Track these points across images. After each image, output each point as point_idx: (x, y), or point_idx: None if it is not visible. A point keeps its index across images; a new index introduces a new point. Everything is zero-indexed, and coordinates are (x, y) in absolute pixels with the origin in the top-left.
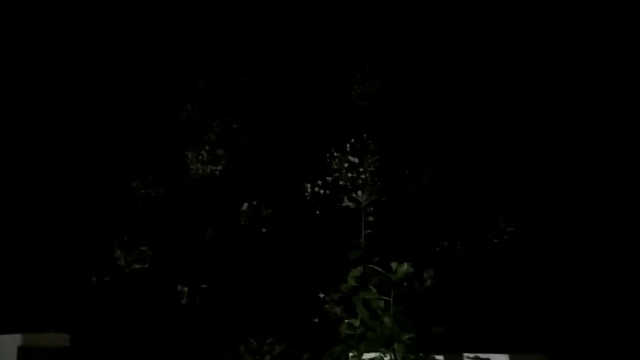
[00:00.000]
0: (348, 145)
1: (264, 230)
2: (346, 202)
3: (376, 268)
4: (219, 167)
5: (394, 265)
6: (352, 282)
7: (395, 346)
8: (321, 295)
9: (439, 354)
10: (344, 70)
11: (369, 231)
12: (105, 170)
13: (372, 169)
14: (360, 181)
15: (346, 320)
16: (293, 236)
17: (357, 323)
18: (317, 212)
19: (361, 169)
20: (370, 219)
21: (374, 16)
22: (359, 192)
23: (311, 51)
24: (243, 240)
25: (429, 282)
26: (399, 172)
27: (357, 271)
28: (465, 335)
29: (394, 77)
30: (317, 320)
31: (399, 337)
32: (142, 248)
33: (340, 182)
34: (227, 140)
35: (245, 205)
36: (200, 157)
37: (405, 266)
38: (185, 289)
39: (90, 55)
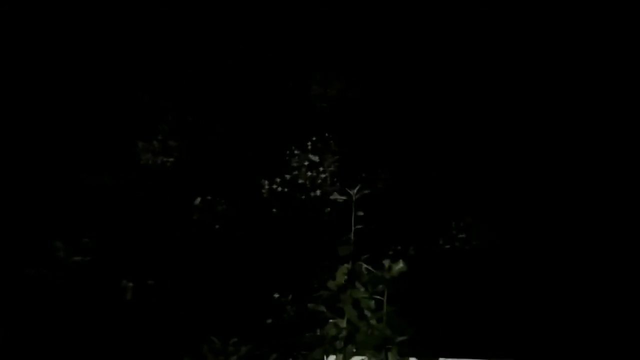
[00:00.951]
0: (309, 143)
1: (217, 226)
2: (335, 196)
3: (366, 266)
4: (171, 159)
5: (386, 263)
6: (341, 279)
7: (391, 349)
8: (276, 296)
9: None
10: (304, 70)
11: (359, 226)
12: (47, 157)
13: (332, 169)
14: (319, 180)
15: (331, 320)
16: (248, 233)
17: (343, 323)
18: (274, 210)
19: (321, 168)
20: (360, 213)
21: (336, 17)
22: (317, 191)
23: (271, 48)
24: (195, 236)
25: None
26: (357, 174)
27: (345, 268)
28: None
29: (355, 79)
30: (270, 321)
31: (392, 339)
32: (84, 240)
33: (300, 181)
34: (181, 132)
35: (199, 199)
36: (152, 148)
37: (400, 264)
38: (130, 284)
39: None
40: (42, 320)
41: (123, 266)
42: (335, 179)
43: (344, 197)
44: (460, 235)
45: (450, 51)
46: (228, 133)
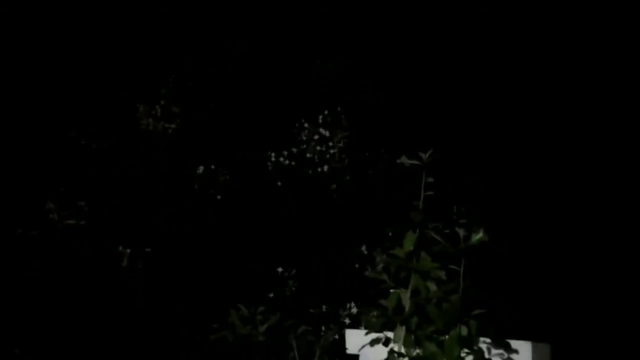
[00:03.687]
0: (320, 117)
1: (219, 197)
2: (404, 159)
3: (434, 235)
4: (173, 125)
5: (461, 231)
6: (409, 246)
7: (469, 322)
8: (279, 270)
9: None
10: (310, 45)
11: (429, 193)
12: (42, 115)
13: (341, 144)
14: (328, 156)
15: (392, 290)
16: (250, 206)
17: (406, 294)
18: (279, 183)
19: (330, 144)
20: (430, 179)
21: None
22: (325, 167)
23: (277, 22)
24: (196, 206)
25: (380, 268)
26: (362, 152)
27: (414, 235)
28: None
29: (362, 56)
30: (272, 295)
31: (469, 312)
32: (80, 203)
33: (308, 155)
34: (183, 97)
35: (202, 168)
36: (154, 112)
37: (480, 233)
38: (127, 250)
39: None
40: (32, 284)
41: (120, 232)
42: (343, 156)
43: (413, 162)
44: (462, 221)
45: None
46: (230, 101)
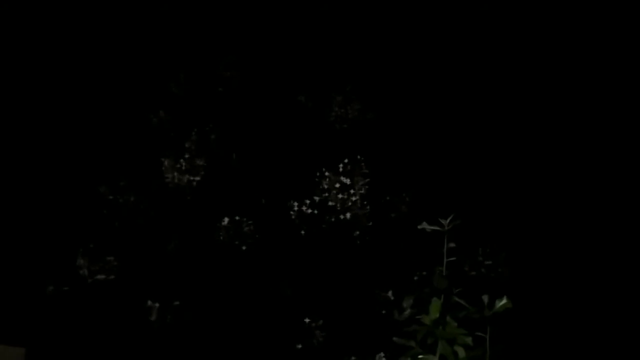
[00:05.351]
0: (341, 165)
1: (244, 247)
2: (424, 225)
3: (459, 300)
4: (197, 178)
5: (485, 298)
6: (435, 313)
7: None
8: (306, 321)
9: None
10: (324, 91)
11: (452, 258)
12: (72, 174)
13: (363, 191)
14: (350, 203)
15: (421, 357)
16: (275, 256)
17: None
18: (302, 232)
19: (352, 191)
20: (452, 245)
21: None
22: (347, 214)
23: (293, 68)
24: (222, 257)
25: (407, 312)
26: (383, 197)
27: (439, 302)
28: None
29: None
30: (300, 346)
31: None
32: (109, 258)
33: (330, 203)
34: (206, 150)
35: (226, 220)
36: (178, 166)
37: (504, 300)
38: (156, 304)
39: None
40: (66, 339)
41: (148, 286)
42: (365, 202)
43: (434, 227)
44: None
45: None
46: (251, 152)
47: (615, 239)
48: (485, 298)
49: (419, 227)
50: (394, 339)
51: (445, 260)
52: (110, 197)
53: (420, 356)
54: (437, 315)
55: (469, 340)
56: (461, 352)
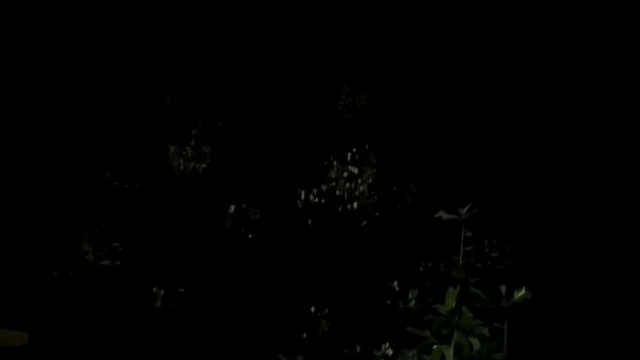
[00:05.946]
0: (349, 154)
1: (250, 236)
2: (441, 214)
3: (476, 290)
4: (203, 165)
5: (503, 288)
6: (451, 303)
7: None
8: (312, 309)
9: None
10: (332, 80)
11: (469, 247)
12: (78, 160)
13: (370, 181)
14: (357, 193)
15: (436, 346)
16: (282, 244)
17: (449, 351)
18: (309, 221)
19: (359, 181)
20: (469, 234)
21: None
22: (355, 204)
23: (301, 57)
24: (227, 245)
25: (412, 303)
26: (390, 188)
27: (455, 291)
28: None
29: (382, 89)
30: (305, 335)
31: None
32: (114, 244)
33: (337, 192)
34: (212, 138)
35: (233, 207)
36: (184, 153)
37: (523, 291)
38: (161, 291)
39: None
40: (71, 324)
41: (153, 272)
42: (372, 192)
43: (451, 216)
44: (493, 254)
45: (473, 63)
46: (258, 140)
47: (625, 232)
48: (503, 288)
49: (435, 215)
50: (408, 328)
51: (462, 249)
52: (116, 183)
53: (434, 346)
54: (453, 305)
55: (485, 331)
56: (476, 343)
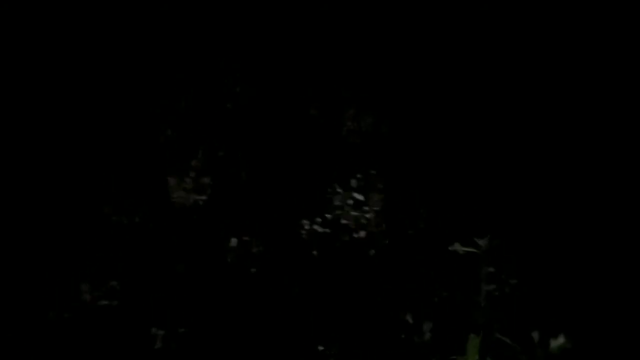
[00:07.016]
0: (354, 181)
1: (253, 270)
2: (456, 247)
3: (502, 338)
4: (204, 197)
5: (535, 335)
6: (473, 355)
7: None
8: (320, 348)
9: None
10: (336, 105)
11: (492, 287)
12: (74, 194)
13: (377, 208)
14: (364, 220)
15: None
16: (287, 278)
17: None
18: (314, 252)
19: (366, 208)
20: (491, 269)
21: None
22: (361, 233)
23: (304, 81)
24: (230, 280)
25: (428, 336)
26: (399, 214)
27: (477, 339)
28: None
29: (388, 112)
30: None
31: None
32: (112, 283)
33: (343, 221)
34: (213, 168)
35: (234, 241)
36: (184, 185)
37: (561, 339)
38: (161, 332)
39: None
40: None
41: (152, 312)
42: (380, 220)
43: (468, 249)
44: (506, 279)
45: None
46: (261, 169)
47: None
48: (536, 335)
49: (450, 248)
50: None
51: (483, 289)
52: (114, 218)
53: None
54: (476, 357)
55: None
56: None
